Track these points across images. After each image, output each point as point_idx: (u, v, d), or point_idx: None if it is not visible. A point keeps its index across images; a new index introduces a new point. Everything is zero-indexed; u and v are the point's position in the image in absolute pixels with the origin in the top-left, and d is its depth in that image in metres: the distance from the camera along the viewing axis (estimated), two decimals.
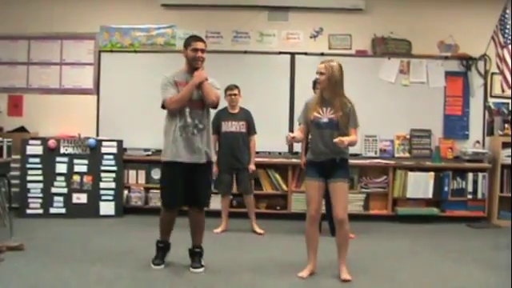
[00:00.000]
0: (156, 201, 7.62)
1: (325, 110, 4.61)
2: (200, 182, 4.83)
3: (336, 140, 4.38)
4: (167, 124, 4.81)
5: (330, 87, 4.59)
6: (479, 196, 7.69)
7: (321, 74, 4.62)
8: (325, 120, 4.60)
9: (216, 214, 6.55)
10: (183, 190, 4.77)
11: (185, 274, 4.70)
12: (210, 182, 5.12)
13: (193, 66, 4.76)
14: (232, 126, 6.64)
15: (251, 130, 6.74)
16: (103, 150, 7.58)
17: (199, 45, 4.76)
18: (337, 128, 4.56)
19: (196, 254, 4.90)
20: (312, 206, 4.66)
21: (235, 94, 6.65)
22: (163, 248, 4.96)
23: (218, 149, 6.65)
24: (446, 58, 8.04)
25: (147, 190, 7.81)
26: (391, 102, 7.97)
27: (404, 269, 5.05)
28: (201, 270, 4.79)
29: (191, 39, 4.82)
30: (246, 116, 6.72)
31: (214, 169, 6.52)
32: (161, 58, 7.95)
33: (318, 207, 4.69)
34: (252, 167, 6.73)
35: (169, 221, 4.91)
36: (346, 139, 4.42)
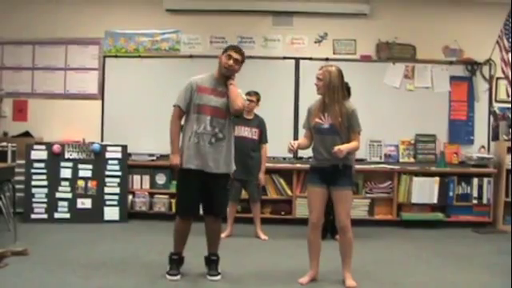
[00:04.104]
0: (160, 206, 7.63)
1: (326, 116, 4.56)
2: (217, 191, 4.72)
3: (335, 149, 4.35)
4: (185, 127, 4.73)
5: (329, 93, 4.53)
6: (484, 201, 7.67)
7: (318, 79, 4.58)
8: (326, 126, 4.55)
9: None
10: (198, 198, 4.70)
11: (188, 279, 4.68)
12: (228, 192, 5.03)
13: (223, 72, 4.69)
14: (244, 132, 6.61)
15: (263, 138, 6.73)
16: (108, 155, 7.57)
17: (234, 54, 4.66)
18: (338, 134, 4.52)
19: (212, 262, 4.82)
20: (314, 214, 4.62)
21: (252, 101, 6.60)
22: (177, 260, 4.79)
23: None
24: (451, 62, 8.03)
25: (152, 195, 7.79)
26: (396, 107, 7.96)
27: (409, 274, 5.03)
28: (218, 277, 4.72)
29: (230, 47, 4.79)
30: (259, 123, 6.71)
31: None
32: (165, 63, 7.98)
33: (320, 214, 4.64)
34: (261, 177, 6.71)
35: (183, 231, 4.75)
36: (344, 147, 4.38)
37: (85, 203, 7.46)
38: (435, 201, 7.66)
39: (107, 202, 7.50)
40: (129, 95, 8.05)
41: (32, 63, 8.26)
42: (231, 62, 4.64)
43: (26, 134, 8.01)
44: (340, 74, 4.57)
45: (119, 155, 7.60)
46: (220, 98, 4.67)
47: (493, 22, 7.53)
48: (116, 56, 8.19)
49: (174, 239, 4.82)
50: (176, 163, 4.69)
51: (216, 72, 4.76)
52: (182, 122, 4.79)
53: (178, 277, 4.70)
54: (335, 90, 4.52)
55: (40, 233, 6.60)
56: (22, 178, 7.31)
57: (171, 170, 5.02)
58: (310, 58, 7.99)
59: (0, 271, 4.72)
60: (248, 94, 6.59)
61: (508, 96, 7.66)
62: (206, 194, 4.69)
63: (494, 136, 8.00)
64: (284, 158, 7.85)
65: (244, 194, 6.88)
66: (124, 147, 7.64)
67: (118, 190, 7.54)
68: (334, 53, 8.10)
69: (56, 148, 7.46)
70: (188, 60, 7.91)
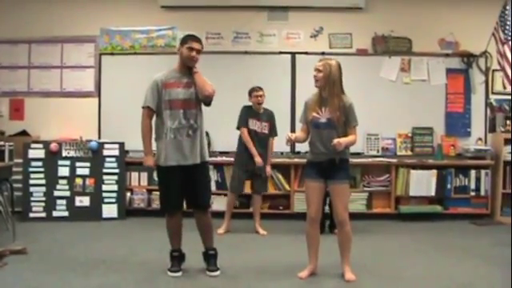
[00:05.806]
0: (158, 202, 7.61)
1: (324, 110, 4.56)
2: (198, 182, 4.72)
3: (334, 142, 4.36)
4: (158, 126, 4.73)
5: (328, 86, 4.53)
6: (482, 193, 7.69)
7: (318, 71, 4.57)
8: (323, 120, 4.55)
9: (218, 215, 6.52)
10: (181, 192, 4.70)
11: (188, 275, 4.70)
12: (209, 182, 5.01)
13: (186, 64, 4.67)
14: (255, 125, 6.64)
15: (273, 131, 6.76)
16: (105, 152, 7.58)
17: (195, 45, 4.65)
18: (335, 128, 4.52)
19: (211, 257, 4.82)
20: (312, 208, 4.63)
21: (261, 95, 6.64)
22: (178, 257, 4.82)
23: (238, 145, 6.73)
24: (447, 55, 8.04)
25: (150, 191, 7.79)
26: (392, 101, 7.97)
27: (408, 267, 5.05)
28: (217, 273, 4.73)
29: (188, 38, 4.71)
30: (269, 118, 6.75)
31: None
32: (161, 59, 7.91)
33: (318, 209, 4.66)
34: (268, 170, 6.75)
35: (175, 227, 4.80)
36: (343, 141, 4.40)
37: (83, 201, 7.47)
38: (433, 193, 7.67)
39: (105, 200, 7.51)
40: (125, 92, 8.00)
41: (28, 62, 8.24)
42: (194, 53, 4.63)
43: (23, 133, 8.00)
44: (339, 67, 4.58)
45: (116, 152, 7.60)
46: (188, 90, 4.66)
47: (488, 14, 7.53)
48: (112, 53, 8.18)
49: (168, 237, 4.85)
50: (149, 164, 4.76)
51: (177, 66, 4.76)
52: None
53: (179, 273, 4.72)
54: (335, 83, 4.52)
55: (38, 231, 6.61)
56: (19, 176, 7.32)
57: None
58: (306, 53, 7.99)
59: None
60: (255, 90, 6.61)
61: (504, 88, 7.67)
62: (187, 187, 4.68)
63: (491, 128, 8.00)
64: (282, 153, 7.84)
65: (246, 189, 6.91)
66: (121, 144, 7.63)
67: (115, 188, 7.55)
68: (330, 47, 8.09)
69: (53, 146, 7.46)
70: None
